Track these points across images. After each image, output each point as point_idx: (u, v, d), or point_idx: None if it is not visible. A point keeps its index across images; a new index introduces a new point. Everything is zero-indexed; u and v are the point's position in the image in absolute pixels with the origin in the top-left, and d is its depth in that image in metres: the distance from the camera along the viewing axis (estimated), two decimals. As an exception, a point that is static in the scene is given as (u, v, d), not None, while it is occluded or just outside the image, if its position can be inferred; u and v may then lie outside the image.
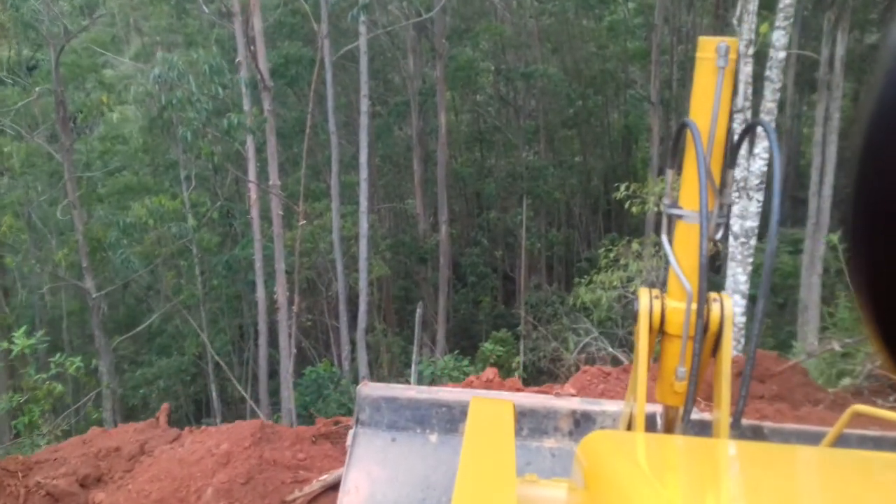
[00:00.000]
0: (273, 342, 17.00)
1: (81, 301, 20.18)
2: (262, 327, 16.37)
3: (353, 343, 17.41)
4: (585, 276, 14.02)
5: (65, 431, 14.48)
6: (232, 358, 22.96)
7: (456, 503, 2.01)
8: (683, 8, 26.03)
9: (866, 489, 1.70)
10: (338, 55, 18.09)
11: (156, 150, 18.77)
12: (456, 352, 17.99)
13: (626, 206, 12.70)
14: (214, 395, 20.32)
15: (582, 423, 3.92)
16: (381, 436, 3.87)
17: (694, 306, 2.76)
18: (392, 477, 3.71)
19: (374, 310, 24.17)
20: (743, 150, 9.28)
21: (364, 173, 15.70)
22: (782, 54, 9.29)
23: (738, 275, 9.26)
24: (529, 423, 3.86)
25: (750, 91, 8.98)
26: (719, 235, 2.79)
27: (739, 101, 8.56)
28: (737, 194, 8.82)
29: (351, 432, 3.91)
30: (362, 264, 15.67)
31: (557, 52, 28.28)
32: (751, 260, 9.31)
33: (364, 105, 15.66)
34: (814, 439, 3.52)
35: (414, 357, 14.65)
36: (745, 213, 9.17)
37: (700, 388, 2.87)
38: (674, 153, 3.01)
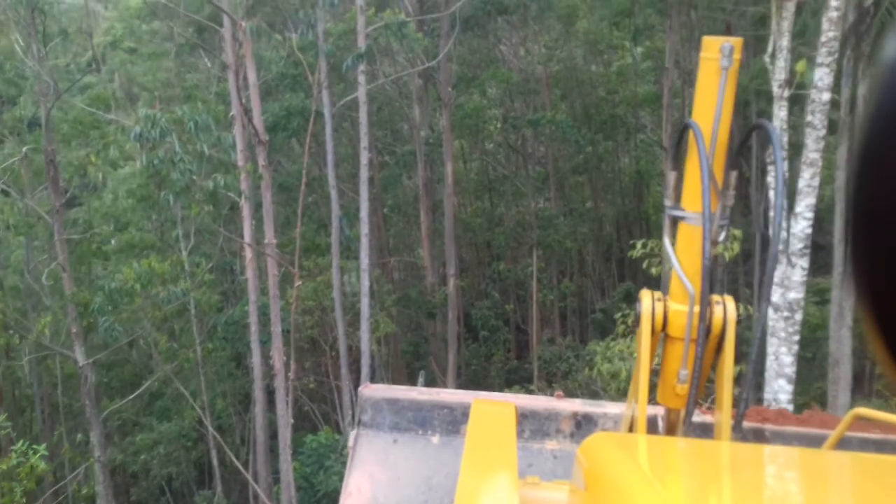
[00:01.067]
0: (273, 407, 16.16)
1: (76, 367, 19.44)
2: (259, 395, 15.53)
3: (354, 408, 16.45)
4: (601, 341, 13.05)
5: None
6: (233, 421, 22.06)
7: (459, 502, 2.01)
8: (694, 50, 25.50)
9: (866, 492, 1.75)
10: (338, 106, 17.51)
11: (159, 206, 18.17)
12: (466, 415, 16.99)
13: (644, 265, 11.80)
14: (215, 462, 19.38)
15: (583, 424, 3.90)
16: (383, 437, 3.85)
17: (696, 309, 2.74)
18: (394, 478, 3.68)
19: (381, 367, 23.29)
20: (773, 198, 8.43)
21: (365, 229, 14.97)
22: (826, 95, 8.23)
23: (781, 355, 7.99)
24: (531, 425, 3.85)
25: (786, 139, 7.86)
26: (722, 237, 2.77)
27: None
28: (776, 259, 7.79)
29: (353, 434, 3.90)
30: (364, 325, 14.85)
31: (566, 97, 27.87)
32: (796, 338, 8.05)
33: (364, 158, 15.00)
34: (816, 442, 3.50)
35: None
36: (788, 283, 7.82)
37: (701, 390, 2.86)
38: (675, 154, 3.00)
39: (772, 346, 7.84)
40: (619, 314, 12.66)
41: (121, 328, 14.91)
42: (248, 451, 20.78)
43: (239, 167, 13.38)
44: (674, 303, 2.84)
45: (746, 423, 2.93)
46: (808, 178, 8.03)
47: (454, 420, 3.82)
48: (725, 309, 2.76)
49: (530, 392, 20.82)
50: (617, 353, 11.91)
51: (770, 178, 8.17)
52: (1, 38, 19.00)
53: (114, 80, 24.65)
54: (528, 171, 28.74)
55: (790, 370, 7.89)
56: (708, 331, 2.75)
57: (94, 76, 23.88)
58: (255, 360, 15.05)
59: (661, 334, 2.89)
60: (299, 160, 23.71)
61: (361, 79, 14.83)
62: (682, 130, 2.86)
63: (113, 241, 22.59)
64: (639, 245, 11.56)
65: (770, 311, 7.79)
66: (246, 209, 13.60)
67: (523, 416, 3.77)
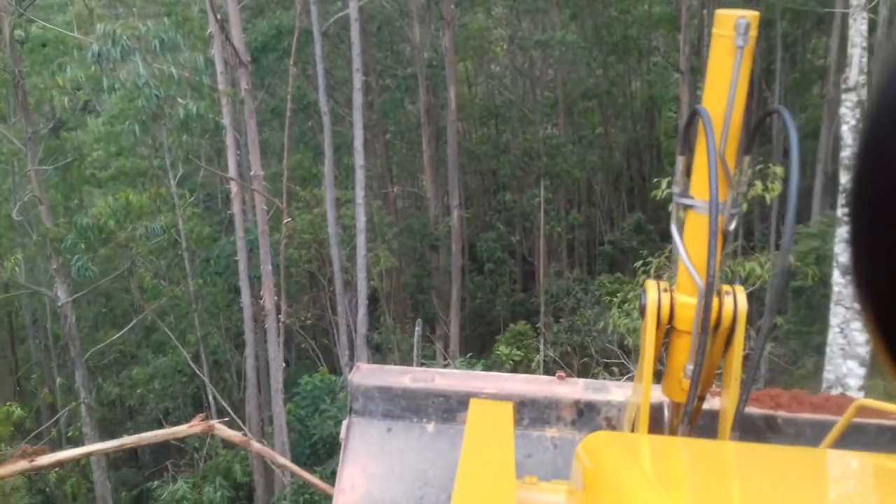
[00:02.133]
0: (267, 345, 15.48)
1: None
2: (249, 336, 14.80)
3: (352, 347, 15.77)
4: (618, 296, 12.07)
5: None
6: (229, 357, 21.48)
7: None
8: (715, -34, 23.98)
9: (867, 491, 1.79)
10: (328, 23, 16.21)
11: (130, 139, 17.08)
12: (469, 355, 16.32)
13: (669, 209, 10.75)
14: (211, 399, 18.84)
15: (585, 412, 3.80)
16: (376, 425, 3.74)
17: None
18: (388, 472, 3.60)
19: (383, 301, 22.58)
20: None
21: (360, 160, 13.91)
22: None
23: (853, 331, 6.61)
24: (531, 413, 3.77)
25: (865, 60, 6.39)
26: (732, 227, 2.67)
27: (853, 74, 6.04)
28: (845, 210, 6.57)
29: (344, 423, 3.79)
30: (360, 262, 13.95)
31: (577, 17, 26.47)
32: None
33: (357, 81, 13.81)
34: (830, 430, 3.36)
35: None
36: None
37: (708, 386, 2.82)
38: (685, 138, 2.88)
39: (836, 316, 6.43)
40: (640, 263, 11.68)
41: (95, 268, 14.04)
42: (244, 388, 20.30)
43: (219, 91, 12.26)
44: (681, 295, 2.76)
45: (757, 410, 2.91)
46: None
47: (449, 408, 3.71)
48: (736, 301, 2.68)
49: (536, 329, 20.16)
50: (634, 306, 11.00)
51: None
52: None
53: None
54: (535, 97, 27.65)
55: (863, 350, 6.47)
56: (717, 324, 2.66)
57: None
58: (245, 299, 14.27)
59: (668, 327, 2.81)
60: (295, 83, 22.52)
61: (354, -8, 13.53)
62: (691, 116, 2.71)
63: (107, 170, 21.61)
64: (664, 184, 10.48)
65: (836, 275, 6.60)
66: (230, 138, 12.53)
67: (522, 405, 3.69)
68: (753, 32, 2.53)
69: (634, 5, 25.55)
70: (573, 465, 2.10)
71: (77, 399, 15.10)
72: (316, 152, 23.16)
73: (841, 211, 6.49)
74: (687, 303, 2.72)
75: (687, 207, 2.75)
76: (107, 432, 18.57)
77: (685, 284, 2.75)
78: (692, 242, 2.72)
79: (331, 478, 15.23)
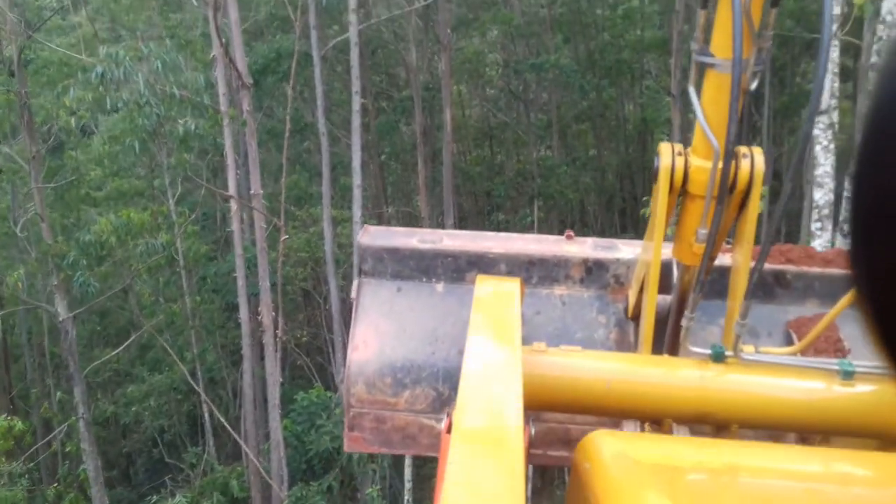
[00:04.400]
0: (264, 362, 15.65)
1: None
2: (247, 352, 14.97)
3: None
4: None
5: (42, 467, 13.26)
6: (225, 374, 21.61)
7: (465, 369, 2.09)
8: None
9: (869, 489, 1.81)
10: (328, 47, 16.56)
11: (130, 156, 17.33)
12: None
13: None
14: (207, 418, 18.95)
15: (594, 270, 3.79)
16: (386, 286, 3.71)
17: (721, 165, 2.54)
18: (399, 330, 3.62)
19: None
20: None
21: (358, 179, 14.19)
22: None
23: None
24: (539, 272, 3.77)
25: (836, 85, 6.85)
26: (755, 86, 2.48)
27: (826, 97, 6.43)
28: (819, 224, 6.86)
29: (355, 283, 3.78)
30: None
31: (570, 42, 26.90)
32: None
33: (356, 103, 14.12)
34: (841, 284, 3.46)
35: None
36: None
37: (718, 249, 2.78)
38: None
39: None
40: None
41: (97, 284, 14.25)
42: (240, 404, 20.40)
43: (221, 112, 12.55)
44: (696, 158, 2.67)
45: (766, 266, 2.78)
46: None
47: (458, 268, 3.71)
48: (753, 162, 2.59)
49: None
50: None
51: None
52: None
53: (96, 19, 23.59)
54: (529, 119, 27.98)
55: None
56: (732, 186, 2.59)
57: (77, 16, 22.83)
58: (243, 315, 14.46)
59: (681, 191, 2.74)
60: (292, 105, 22.85)
61: (353, 18, 13.87)
62: None
63: (103, 189, 21.85)
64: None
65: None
66: (230, 158, 12.82)
67: (531, 264, 3.71)
68: None
69: (627, 30, 25.99)
70: (573, 464, 2.11)
71: (75, 415, 15.22)
72: (312, 173, 23.45)
73: (814, 226, 6.78)
74: (702, 166, 2.64)
75: (706, 66, 2.57)
76: (101, 450, 18.66)
77: (701, 147, 2.65)
78: (711, 103, 2.57)
79: (328, 493, 15.39)
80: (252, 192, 12.32)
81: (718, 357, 2.60)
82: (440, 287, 3.72)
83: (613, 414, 2.90)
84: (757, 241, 2.76)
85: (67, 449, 16.24)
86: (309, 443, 14.60)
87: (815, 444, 2.95)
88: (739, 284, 2.74)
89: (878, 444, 2.58)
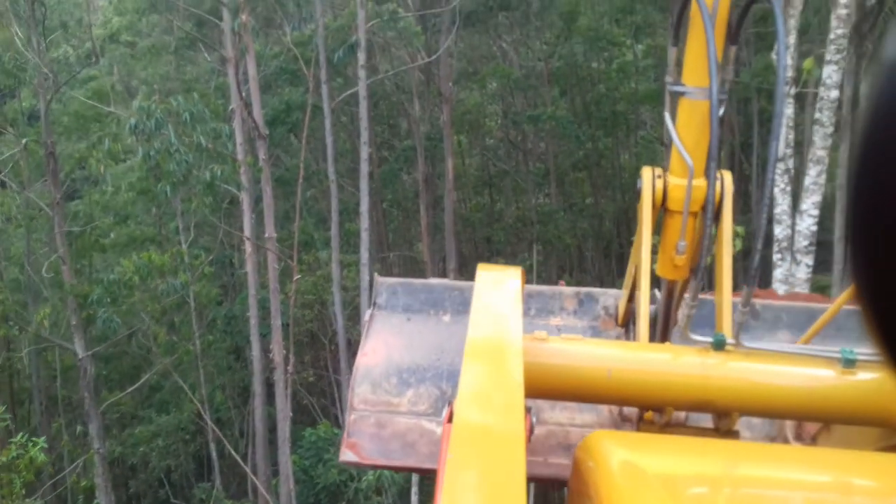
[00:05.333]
0: (272, 400, 16.17)
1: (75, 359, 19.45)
2: (258, 388, 15.54)
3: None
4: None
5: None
6: (232, 415, 22.06)
7: (467, 356, 2.07)
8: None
9: (867, 490, 1.77)
10: (338, 100, 17.47)
11: (159, 199, 18.15)
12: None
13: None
14: (214, 455, 19.37)
15: (585, 302, 4.06)
16: (397, 316, 4.00)
17: (695, 182, 2.84)
18: (407, 344, 3.84)
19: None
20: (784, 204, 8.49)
21: (365, 223, 14.96)
22: (835, 93, 8.18)
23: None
24: (536, 304, 4.01)
25: (792, 137, 7.90)
26: (721, 112, 2.76)
27: (780, 147, 7.42)
28: (779, 255, 7.74)
29: (368, 313, 4.01)
30: (364, 319, 14.84)
31: (566, 94, 27.83)
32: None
33: (364, 152, 14.98)
34: (806, 315, 3.58)
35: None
36: (793, 280, 7.90)
37: (697, 259, 2.95)
38: (676, 29, 3.02)
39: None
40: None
41: (119, 321, 14.90)
42: (247, 443, 20.78)
43: (238, 161, 13.37)
44: (673, 177, 2.94)
45: (736, 298, 2.89)
46: (814, 176, 8.18)
47: (465, 301, 3.83)
48: (723, 182, 2.87)
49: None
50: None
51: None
52: (1, 29, 18.99)
53: (113, 73, 24.59)
54: (528, 167, 28.67)
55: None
56: (705, 203, 2.87)
57: (94, 70, 23.83)
58: (255, 353, 15.06)
59: (661, 209, 3.02)
60: (298, 155, 23.69)
61: (362, 73, 14.81)
62: (683, 6, 2.87)
63: (111, 235, 22.56)
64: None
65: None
66: (246, 202, 13.60)
67: (529, 296, 3.87)
68: None
69: (622, 83, 26.90)
70: (573, 464, 2.13)
71: (90, 450, 15.68)
72: (317, 219, 24.21)
73: (776, 257, 7.63)
74: (679, 184, 2.91)
75: (679, 95, 2.90)
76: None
77: (677, 167, 2.94)
78: (684, 127, 2.90)
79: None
80: (266, 235, 13.07)
81: (719, 345, 2.60)
82: (447, 318, 3.99)
83: (614, 401, 3.01)
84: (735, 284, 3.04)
85: (83, 483, 16.66)
86: (317, 476, 15.09)
87: (816, 431, 3.11)
88: (723, 282, 2.88)
89: (878, 432, 2.61)
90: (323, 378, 23.04)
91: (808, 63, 8.38)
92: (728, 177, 2.93)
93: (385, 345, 3.87)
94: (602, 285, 29.14)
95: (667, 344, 3.15)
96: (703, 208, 2.88)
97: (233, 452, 17.49)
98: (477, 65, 26.46)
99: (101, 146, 15.92)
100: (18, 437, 10.57)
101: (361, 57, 14.68)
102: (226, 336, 20.14)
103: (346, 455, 3.58)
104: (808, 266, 8.15)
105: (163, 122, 11.90)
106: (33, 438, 10.59)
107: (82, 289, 14.81)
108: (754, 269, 2.84)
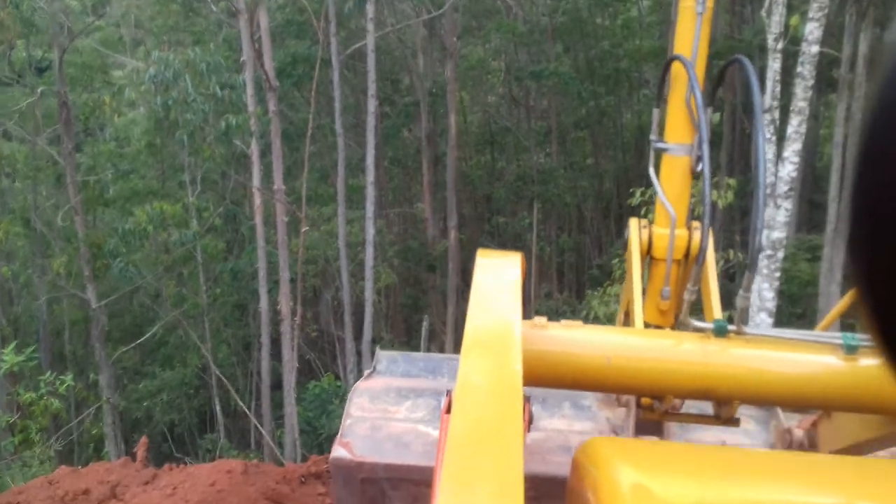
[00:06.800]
0: (277, 354, 16.41)
1: (85, 311, 19.64)
2: (265, 339, 15.74)
3: (358, 354, 16.76)
4: (598, 288, 13.25)
5: (59, 451, 13.93)
6: (236, 369, 22.34)
7: (465, 345, 2.04)
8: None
9: (871, 497, 1.75)
10: (344, 54, 17.44)
11: (164, 152, 18.20)
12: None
13: (643, 212, 12.00)
14: (218, 408, 19.69)
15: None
16: (397, 378, 4.02)
17: (678, 231, 3.06)
18: (407, 376, 3.94)
19: (381, 319, 23.50)
20: (770, 155, 8.71)
21: (371, 177, 15.04)
22: (815, 48, 8.64)
23: (763, 290, 8.64)
24: None
25: (779, 89, 8.35)
26: (699, 168, 3.02)
27: (767, 99, 7.86)
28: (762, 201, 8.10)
29: (366, 373, 4.01)
30: (368, 273, 15.02)
31: (570, 50, 27.67)
32: (777, 275, 8.75)
33: (371, 105, 15.00)
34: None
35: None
36: (772, 223, 8.47)
37: (679, 306, 3.07)
38: (660, 91, 3.23)
39: (755, 283, 8.54)
40: (617, 259, 12.87)
41: (134, 270, 15.07)
42: (250, 398, 21.08)
43: (249, 112, 13.42)
44: (658, 227, 3.14)
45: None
46: (795, 125, 8.76)
47: None
48: (704, 231, 3.02)
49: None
50: (613, 295, 12.13)
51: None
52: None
53: (119, 24, 24.45)
54: (530, 125, 28.64)
55: (771, 304, 8.63)
56: (687, 254, 3.08)
57: (101, 22, 23.68)
58: (263, 305, 15.24)
59: (647, 258, 3.20)
60: (302, 109, 23.64)
61: (370, 26, 14.78)
62: (667, 64, 3.07)
63: (111, 190, 22.61)
64: (638, 193, 11.70)
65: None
66: (255, 154, 13.68)
67: None
68: (710, 3, 2.98)
69: (626, 40, 26.75)
70: (571, 470, 2.12)
71: (102, 397, 15.96)
72: (321, 174, 24.26)
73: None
74: (663, 233, 3.11)
75: (662, 151, 3.16)
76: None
77: (662, 218, 3.15)
78: (667, 180, 3.15)
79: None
80: (275, 186, 13.17)
81: (721, 331, 2.59)
82: (445, 380, 3.96)
83: (614, 389, 3.03)
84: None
85: (94, 431, 16.97)
86: (321, 427, 15.38)
87: (816, 418, 3.13)
88: (709, 272, 2.97)
89: (880, 419, 2.60)
90: (324, 334, 23.29)
91: (794, 20, 8.94)
92: (708, 230, 3.04)
93: (384, 379, 3.94)
94: (601, 246, 29.39)
95: (667, 330, 3.19)
96: (685, 255, 3.09)
97: (240, 403, 17.78)
98: (481, 20, 26.28)
99: (119, 96, 15.94)
100: (47, 374, 10.78)
101: (370, 9, 14.64)
102: (231, 291, 20.32)
103: (338, 451, 3.56)
104: (786, 210, 8.79)
105: (180, 73, 11.95)
106: (61, 376, 10.75)
107: (97, 238, 14.94)
108: (755, 253, 2.82)
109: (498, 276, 2.60)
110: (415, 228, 27.94)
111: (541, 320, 2.66)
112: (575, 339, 2.64)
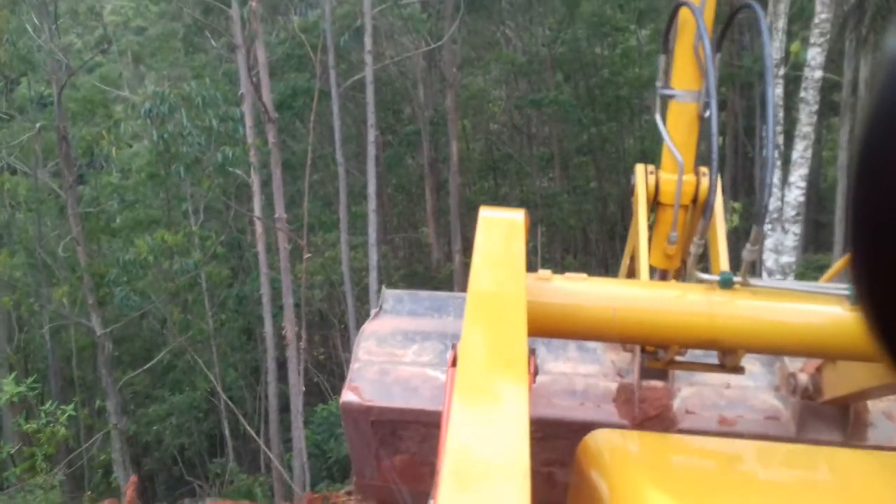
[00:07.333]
0: (284, 378, 16.61)
1: (91, 337, 19.92)
2: (271, 364, 15.99)
3: (364, 378, 16.89)
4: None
5: (68, 476, 14.14)
6: (244, 393, 22.56)
7: (470, 298, 2.05)
8: (697, 32, 25.62)
9: (873, 489, 1.73)
10: (344, 86, 17.86)
11: (168, 183, 18.58)
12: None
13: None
14: (227, 432, 19.88)
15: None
16: (403, 316, 4.04)
17: (685, 177, 3.05)
18: (413, 315, 3.94)
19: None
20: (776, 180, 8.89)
21: (373, 204, 15.38)
22: (818, 73, 8.72)
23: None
24: None
25: (781, 114, 8.48)
26: (707, 114, 3.00)
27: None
28: (770, 226, 8.20)
29: (373, 312, 4.01)
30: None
31: (570, 79, 28.01)
32: None
33: (371, 135, 15.38)
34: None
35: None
36: (781, 248, 8.45)
37: (686, 250, 3.10)
38: (666, 38, 3.20)
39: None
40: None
41: (136, 297, 15.36)
42: (259, 421, 21.26)
43: (248, 144, 13.80)
44: (664, 173, 3.14)
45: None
46: (801, 150, 8.74)
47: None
48: (713, 175, 3.04)
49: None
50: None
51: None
52: (13, 17, 19.41)
53: (120, 60, 24.99)
54: (532, 151, 28.90)
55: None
56: (695, 199, 3.09)
57: (103, 57, 24.22)
58: (268, 330, 15.50)
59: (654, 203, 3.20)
60: (304, 139, 24.07)
61: (368, 58, 15.19)
62: (672, 15, 3.06)
63: (118, 219, 22.98)
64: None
65: (764, 275, 8.30)
66: (256, 184, 14.03)
67: None
68: None
69: (626, 68, 27.09)
70: (574, 462, 2.12)
71: (109, 424, 16.18)
72: (323, 202, 24.64)
73: (767, 227, 8.23)
74: (669, 179, 3.10)
75: (669, 98, 3.13)
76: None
77: (668, 164, 3.13)
78: (674, 127, 3.12)
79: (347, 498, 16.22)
80: (276, 215, 13.50)
81: (726, 283, 2.58)
82: (451, 319, 3.97)
83: (619, 339, 3.05)
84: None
85: (102, 457, 17.19)
86: (329, 450, 15.53)
87: (820, 364, 3.19)
88: (717, 222, 3.00)
89: (883, 368, 2.85)
90: (332, 357, 23.50)
91: (794, 46, 8.99)
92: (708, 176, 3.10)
93: (391, 320, 3.96)
94: (607, 267, 29.55)
95: (673, 282, 3.21)
96: (693, 201, 3.10)
97: (247, 428, 17.97)
98: (481, 51, 26.69)
99: (115, 129, 16.36)
100: (47, 404, 10.96)
101: (368, 42, 15.07)
102: (237, 316, 20.59)
103: (347, 396, 3.58)
104: (795, 234, 8.67)
105: (176, 106, 12.32)
106: (62, 406, 10.93)
107: (98, 268, 15.28)
108: (764, 206, 2.82)
109: (501, 230, 2.61)
110: (420, 252, 28.22)
111: (545, 273, 2.65)
112: (580, 291, 2.62)
